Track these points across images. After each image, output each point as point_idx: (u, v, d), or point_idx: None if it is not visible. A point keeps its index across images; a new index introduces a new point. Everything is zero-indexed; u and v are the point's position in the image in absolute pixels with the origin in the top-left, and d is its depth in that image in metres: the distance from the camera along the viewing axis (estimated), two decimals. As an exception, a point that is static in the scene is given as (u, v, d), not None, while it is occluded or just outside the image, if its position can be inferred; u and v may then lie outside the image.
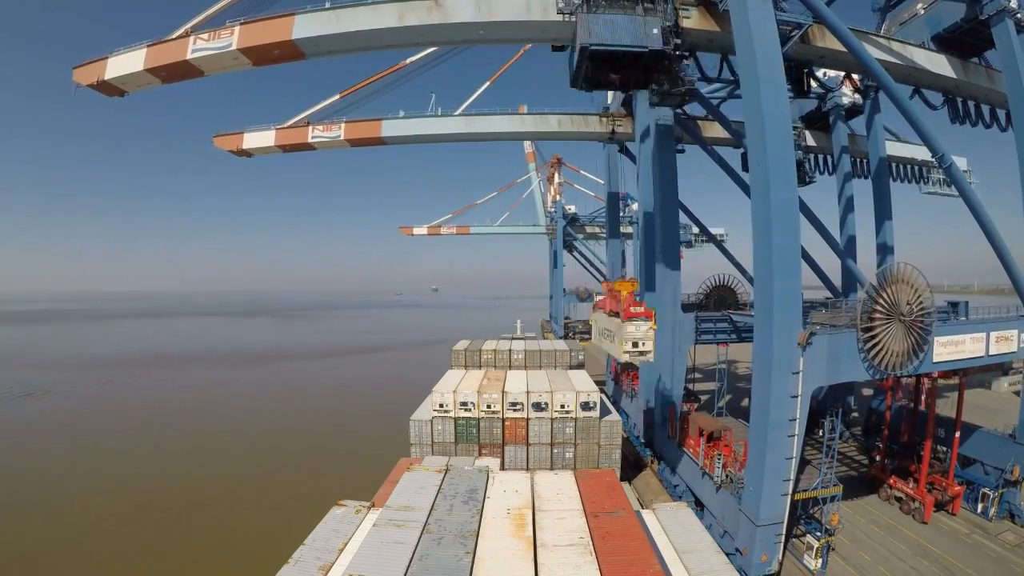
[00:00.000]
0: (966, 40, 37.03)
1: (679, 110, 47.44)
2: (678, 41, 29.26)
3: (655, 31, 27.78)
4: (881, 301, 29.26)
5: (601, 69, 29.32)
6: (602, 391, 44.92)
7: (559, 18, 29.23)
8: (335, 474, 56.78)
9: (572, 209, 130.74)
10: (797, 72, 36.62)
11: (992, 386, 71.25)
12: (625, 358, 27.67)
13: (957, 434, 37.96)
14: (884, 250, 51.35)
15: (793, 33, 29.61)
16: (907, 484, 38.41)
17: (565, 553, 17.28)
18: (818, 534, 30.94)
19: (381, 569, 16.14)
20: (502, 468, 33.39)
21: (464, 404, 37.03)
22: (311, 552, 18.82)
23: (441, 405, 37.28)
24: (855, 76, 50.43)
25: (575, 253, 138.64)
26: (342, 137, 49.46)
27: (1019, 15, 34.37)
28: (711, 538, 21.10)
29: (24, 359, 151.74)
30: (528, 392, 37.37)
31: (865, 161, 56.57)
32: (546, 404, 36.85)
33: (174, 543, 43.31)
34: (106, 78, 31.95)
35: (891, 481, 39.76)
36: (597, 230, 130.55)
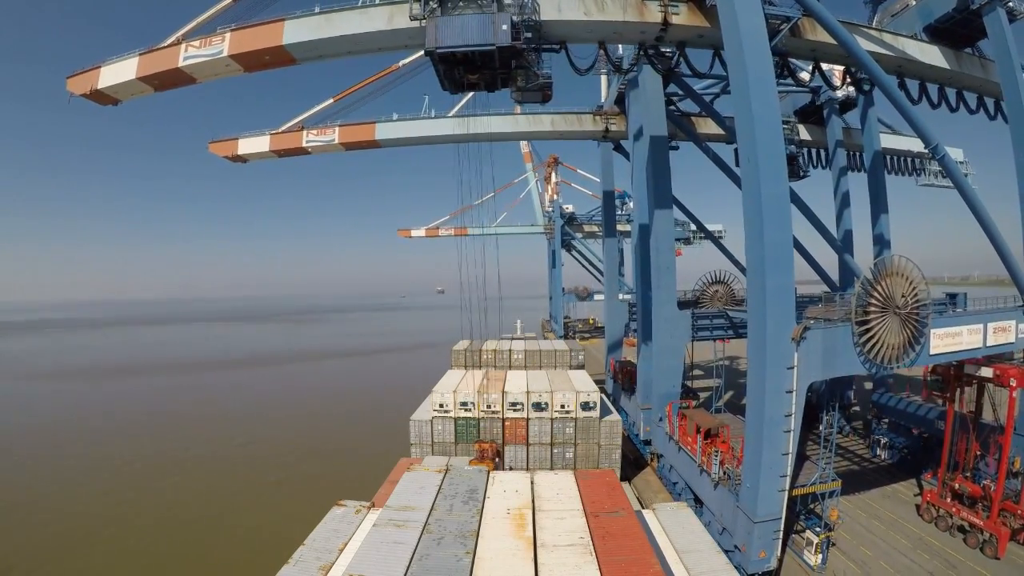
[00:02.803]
0: (958, 30, 36.99)
1: (672, 107, 47.43)
2: (528, 35, 26.92)
3: (504, 27, 25.76)
4: (876, 294, 29.19)
5: (456, 71, 28.09)
6: (601, 389, 44.91)
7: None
8: (335, 474, 56.94)
9: (570, 208, 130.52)
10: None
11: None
12: None
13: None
14: (881, 243, 51.37)
15: (782, 27, 29.51)
16: (974, 512, 32.28)
17: (565, 553, 17.34)
18: (818, 529, 30.89)
19: (381, 569, 16.22)
20: (502, 468, 33.47)
21: (464, 404, 37.13)
22: (311, 552, 18.94)
23: (441, 405, 37.39)
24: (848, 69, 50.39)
25: (574, 252, 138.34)
26: (336, 141, 49.45)
27: (1011, 4, 34.20)
28: (711, 538, 21.14)
29: (31, 369, 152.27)
30: (528, 392, 37.46)
31: (860, 154, 56.55)
32: (546, 404, 36.91)
33: (174, 543, 43.46)
34: (99, 87, 31.84)
35: (953, 508, 33.53)
36: (595, 229, 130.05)
